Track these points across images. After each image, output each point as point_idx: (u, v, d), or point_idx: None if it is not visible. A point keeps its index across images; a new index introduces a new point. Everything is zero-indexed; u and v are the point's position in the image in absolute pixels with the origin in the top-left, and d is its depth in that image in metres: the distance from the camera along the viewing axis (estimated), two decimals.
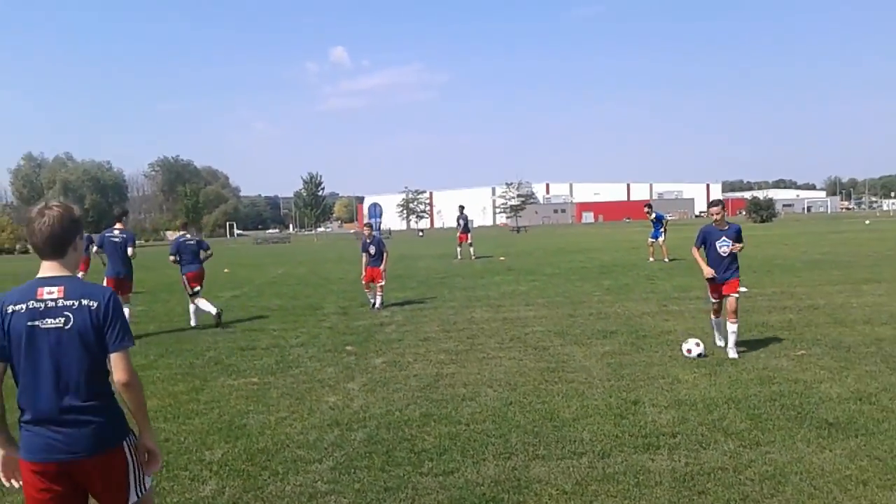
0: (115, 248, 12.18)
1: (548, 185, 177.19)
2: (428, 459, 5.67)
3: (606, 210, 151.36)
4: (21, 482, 3.06)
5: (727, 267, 9.05)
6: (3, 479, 3.09)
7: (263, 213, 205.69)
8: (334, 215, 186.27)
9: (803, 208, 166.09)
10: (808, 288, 15.26)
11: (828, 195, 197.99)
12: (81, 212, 3.14)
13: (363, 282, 14.97)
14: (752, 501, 4.68)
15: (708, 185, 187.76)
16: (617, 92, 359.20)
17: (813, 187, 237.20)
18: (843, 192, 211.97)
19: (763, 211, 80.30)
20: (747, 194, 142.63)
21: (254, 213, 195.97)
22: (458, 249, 30.63)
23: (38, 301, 2.96)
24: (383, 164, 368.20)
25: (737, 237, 9.08)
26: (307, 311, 14.73)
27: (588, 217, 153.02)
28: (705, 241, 9.20)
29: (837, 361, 8.49)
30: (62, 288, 2.98)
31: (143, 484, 3.16)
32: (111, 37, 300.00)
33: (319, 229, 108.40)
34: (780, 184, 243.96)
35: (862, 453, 5.48)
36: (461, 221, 29.57)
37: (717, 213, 9.15)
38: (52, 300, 2.95)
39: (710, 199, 10.22)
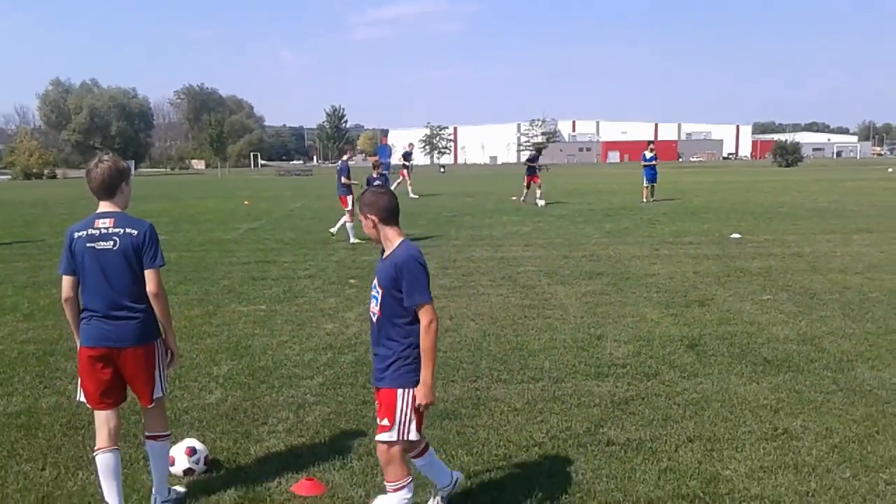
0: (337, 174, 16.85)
1: (574, 123, 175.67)
2: None
3: (633, 150, 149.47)
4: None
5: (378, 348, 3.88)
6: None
7: (288, 143, 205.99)
8: (358, 148, 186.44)
9: (833, 153, 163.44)
10: (800, 236, 15.81)
11: (860, 140, 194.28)
12: (126, 165, 4.21)
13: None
14: (672, 421, 5.47)
15: (738, 127, 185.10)
16: (647, 29, 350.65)
17: (846, 131, 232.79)
18: (877, 136, 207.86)
19: (789, 155, 79.67)
20: (777, 137, 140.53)
21: (278, 143, 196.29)
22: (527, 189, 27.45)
23: (94, 229, 3.95)
24: (408, 97, 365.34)
25: (393, 279, 3.71)
26: (318, 245, 15.58)
27: (614, 157, 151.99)
28: None
29: (798, 307, 9.17)
30: (112, 220, 3.98)
31: (165, 382, 4.19)
32: None
33: None
34: (813, 127, 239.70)
35: (784, 386, 6.23)
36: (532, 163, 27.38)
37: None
38: (104, 228, 3.95)
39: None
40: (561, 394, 6.10)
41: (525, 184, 27.01)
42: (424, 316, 3.71)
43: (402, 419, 3.73)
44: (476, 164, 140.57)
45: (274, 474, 4.66)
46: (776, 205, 24.21)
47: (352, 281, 11.30)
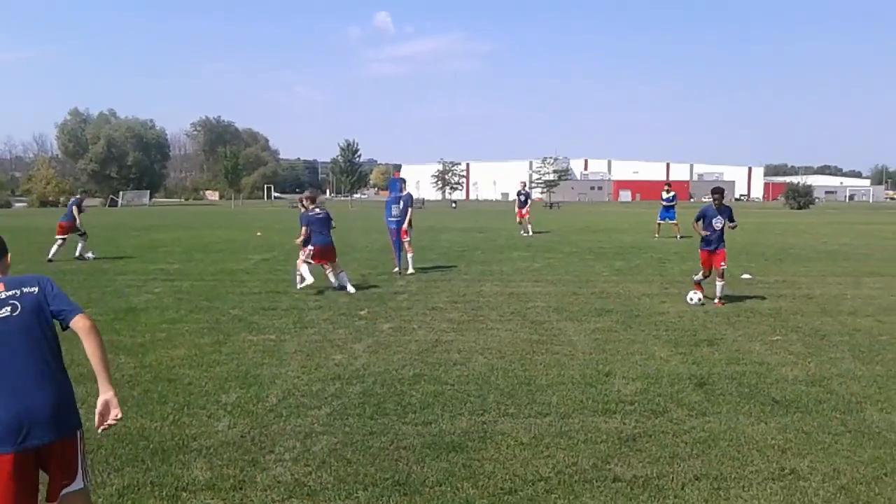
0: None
1: (586, 161, 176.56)
2: (412, 412, 6.54)
3: (644, 189, 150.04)
4: None
5: None
6: None
7: (301, 176, 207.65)
8: (371, 182, 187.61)
9: (846, 196, 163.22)
10: (810, 278, 15.78)
11: (872, 184, 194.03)
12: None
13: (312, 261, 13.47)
14: (679, 459, 5.46)
15: (750, 169, 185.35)
16: (660, 69, 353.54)
17: (859, 175, 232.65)
18: (889, 181, 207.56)
19: (801, 197, 79.73)
20: (790, 179, 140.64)
21: (292, 176, 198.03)
22: (519, 225, 31.23)
23: None
24: (422, 133, 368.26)
25: None
26: None
27: (625, 195, 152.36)
28: None
29: (808, 348, 9.14)
30: (2, 284, 3.36)
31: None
32: None
33: (356, 196, 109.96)
34: (825, 170, 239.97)
35: (792, 427, 6.21)
36: (521, 197, 30.86)
37: None
38: None
39: None
40: (568, 429, 6.10)
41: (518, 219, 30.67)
42: None
43: None
44: (488, 199, 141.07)
45: (280, 502, 4.68)
46: (787, 246, 24.18)
47: (361, 312, 11.36)
